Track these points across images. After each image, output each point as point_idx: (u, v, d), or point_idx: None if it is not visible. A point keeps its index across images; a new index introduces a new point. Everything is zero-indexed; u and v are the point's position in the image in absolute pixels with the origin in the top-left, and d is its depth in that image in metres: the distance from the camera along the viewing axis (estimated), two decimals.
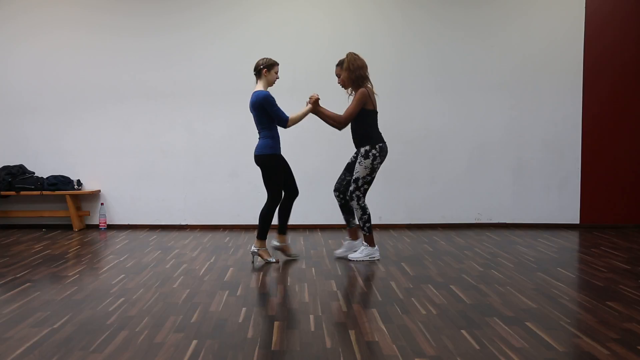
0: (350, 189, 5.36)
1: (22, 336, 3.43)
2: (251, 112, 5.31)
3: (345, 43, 7.19)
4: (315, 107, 5.33)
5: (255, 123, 5.32)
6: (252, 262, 5.40)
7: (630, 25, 7.23)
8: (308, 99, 5.38)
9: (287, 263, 5.41)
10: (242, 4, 7.33)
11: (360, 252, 5.46)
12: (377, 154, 5.27)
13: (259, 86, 5.28)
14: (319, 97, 5.37)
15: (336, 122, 5.33)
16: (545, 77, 7.30)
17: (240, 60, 7.28)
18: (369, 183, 5.38)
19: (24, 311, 3.93)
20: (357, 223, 5.53)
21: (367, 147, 5.28)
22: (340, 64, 5.38)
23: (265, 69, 5.24)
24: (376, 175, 5.47)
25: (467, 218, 7.41)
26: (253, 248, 5.40)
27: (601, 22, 7.23)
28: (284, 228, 5.52)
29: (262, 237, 5.36)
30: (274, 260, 5.38)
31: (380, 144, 5.30)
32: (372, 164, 5.27)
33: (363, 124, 5.31)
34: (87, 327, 3.58)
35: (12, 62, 7.45)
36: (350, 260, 5.43)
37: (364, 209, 5.35)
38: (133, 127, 7.43)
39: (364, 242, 5.47)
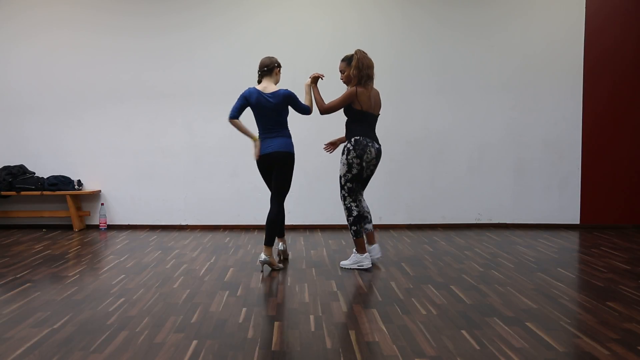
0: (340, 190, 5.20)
1: (22, 336, 3.43)
2: (263, 111, 5.08)
3: (346, 43, 7.19)
4: (312, 83, 5.23)
5: (272, 122, 5.10)
6: (262, 271, 5.09)
7: (631, 25, 7.23)
8: (310, 76, 5.28)
9: (288, 263, 5.41)
10: (243, 4, 7.33)
11: (350, 258, 5.22)
12: (351, 148, 5.03)
13: (271, 85, 5.13)
14: (322, 77, 5.25)
15: (318, 105, 5.20)
16: (545, 77, 7.30)
17: (240, 60, 7.29)
18: (352, 181, 5.10)
19: (24, 311, 3.93)
20: (371, 228, 5.34)
21: (345, 142, 5.14)
22: (346, 60, 5.18)
23: (279, 68, 5.21)
24: (372, 174, 5.27)
25: (467, 218, 7.41)
26: (264, 257, 5.03)
27: (601, 23, 7.23)
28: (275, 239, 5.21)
29: (271, 244, 5.07)
30: (281, 267, 5.19)
31: (357, 137, 5.05)
32: (347, 159, 5.04)
33: (350, 121, 5.16)
34: (87, 327, 3.58)
35: (12, 62, 7.46)
36: (341, 267, 5.19)
37: (349, 210, 5.11)
38: (133, 127, 7.43)
39: (354, 249, 5.20)
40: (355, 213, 5.12)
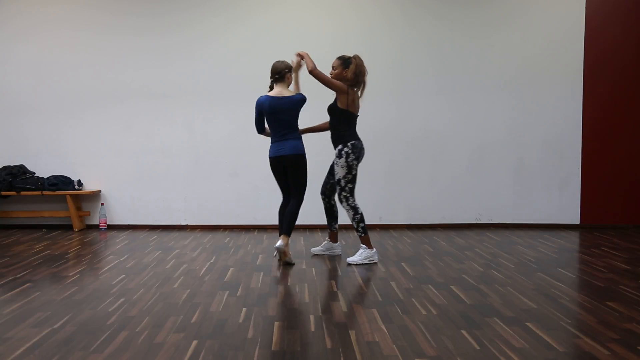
0: (337, 192, 5.35)
1: (22, 336, 3.43)
2: (278, 115, 5.29)
3: (346, 43, 7.19)
4: (307, 63, 5.28)
5: (286, 126, 5.31)
6: (278, 258, 5.39)
7: (631, 25, 7.23)
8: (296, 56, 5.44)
9: (288, 263, 5.41)
10: (243, 4, 7.33)
11: (359, 254, 5.34)
12: (350, 151, 5.25)
13: (284, 89, 5.33)
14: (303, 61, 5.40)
15: (311, 69, 5.20)
16: (545, 77, 7.30)
17: (240, 60, 7.29)
18: (352, 181, 5.32)
19: (24, 311, 3.93)
20: (337, 228, 5.70)
21: (340, 146, 5.29)
22: (342, 59, 5.36)
23: (290, 72, 5.39)
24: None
25: (468, 218, 7.41)
26: (280, 244, 5.25)
27: (601, 23, 7.23)
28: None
29: (290, 233, 5.35)
30: (292, 263, 5.36)
31: (353, 142, 5.27)
32: (346, 161, 5.26)
33: (339, 122, 5.34)
34: (88, 328, 3.58)
35: (12, 62, 7.46)
36: (349, 264, 5.30)
37: (354, 209, 5.31)
38: (133, 127, 7.43)
39: (361, 244, 5.36)
40: (360, 211, 5.34)
